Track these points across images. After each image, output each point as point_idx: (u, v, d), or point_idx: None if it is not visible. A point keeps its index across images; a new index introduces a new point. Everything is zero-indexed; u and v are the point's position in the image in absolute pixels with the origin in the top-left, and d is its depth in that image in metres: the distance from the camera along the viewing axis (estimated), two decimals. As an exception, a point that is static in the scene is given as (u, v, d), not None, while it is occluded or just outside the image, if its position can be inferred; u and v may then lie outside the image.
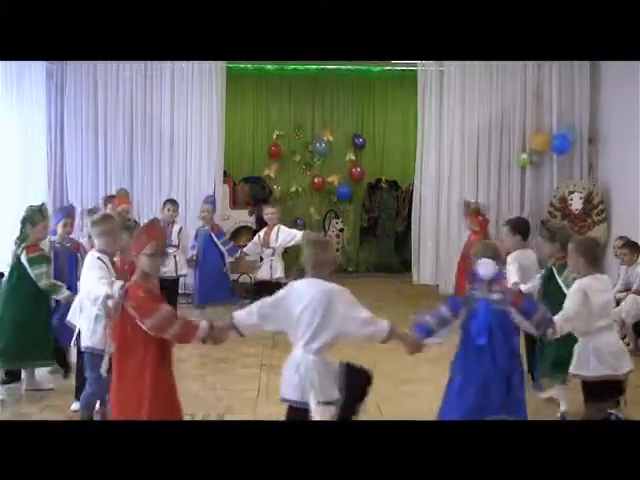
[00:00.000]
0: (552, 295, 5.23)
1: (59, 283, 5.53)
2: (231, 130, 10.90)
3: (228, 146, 10.36)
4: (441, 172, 9.77)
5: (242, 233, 9.97)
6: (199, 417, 4.82)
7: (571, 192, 9.43)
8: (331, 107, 12.22)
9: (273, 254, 8.26)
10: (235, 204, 10.67)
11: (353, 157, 12.21)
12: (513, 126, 9.76)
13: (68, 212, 6.31)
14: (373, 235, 12.35)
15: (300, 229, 12.03)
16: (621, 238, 8.17)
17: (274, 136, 12.10)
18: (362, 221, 12.29)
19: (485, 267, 4.05)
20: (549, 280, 5.45)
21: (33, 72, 9.00)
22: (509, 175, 9.80)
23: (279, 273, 8.26)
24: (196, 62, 9.53)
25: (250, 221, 10.33)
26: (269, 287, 8.12)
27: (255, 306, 3.91)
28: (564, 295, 4.84)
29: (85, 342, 4.58)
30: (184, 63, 9.59)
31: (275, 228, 8.31)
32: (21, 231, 5.57)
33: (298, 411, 3.70)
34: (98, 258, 4.54)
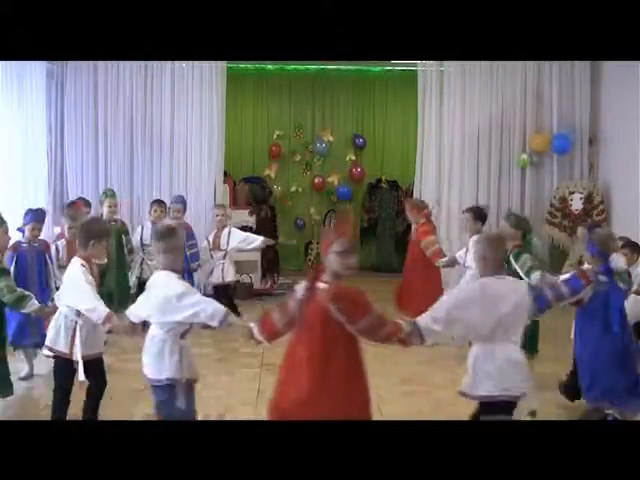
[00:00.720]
0: None
1: (26, 293, 4.87)
2: (231, 130, 10.89)
3: (228, 146, 10.31)
4: (441, 172, 9.75)
5: (242, 233, 9.93)
6: (199, 417, 4.81)
7: (571, 192, 9.41)
8: (331, 107, 12.21)
9: (224, 257, 8.09)
10: (235, 204, 10.65)
11: (353, 157, 12.23)
12: (513, 126, 9.74)
13: (37, 216, 5.99)
14: (373, 235, 12.36)
15: (300, 229, 12.17)
16: (621, 238, 8.13)
17: (274, 136, 12.11)
18: (362, 221, 12.28)
19: (619, 259, 4.58)
20: (506, 266, 5.90)
21: (33, 72, 8.91)
22: (509, 175, 9.79)
23: (231, 276, 8.16)
24: (196, 62, 9.47)
25: (250, 221, 10.31)
26: (223, 290, 7.98)
27: (441, 311, 3.78)
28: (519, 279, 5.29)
29: (162, 374, 3.89)
30: (184, 63, 9.54)
31: (225, 230, 8.13)
32: None
33: (492, 405, 3.68)
34: (177, 277, 3.93)
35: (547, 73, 9.66)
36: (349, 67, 11.41)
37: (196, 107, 9.60)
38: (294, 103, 12.17)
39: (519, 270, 5.68)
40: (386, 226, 12.25)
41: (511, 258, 5.80)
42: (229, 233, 8.10)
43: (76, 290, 4.31)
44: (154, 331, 3.96)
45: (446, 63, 9.58)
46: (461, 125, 9.68)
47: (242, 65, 10.73)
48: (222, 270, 8.08)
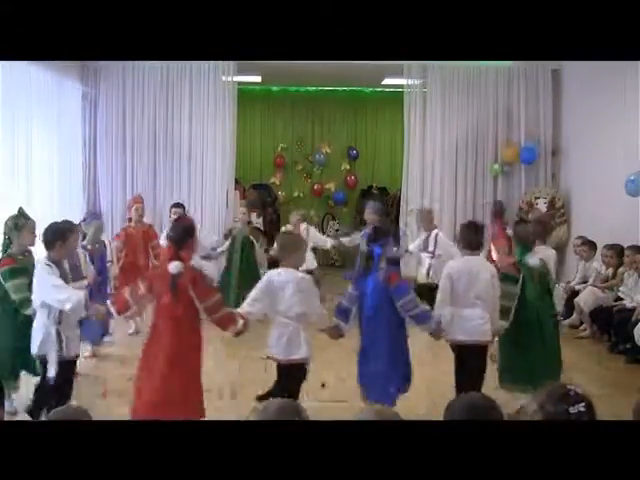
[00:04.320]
0: None
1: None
2: (242, 143, 10.63)
3: (239, 156, 10.00)
4: (424, 180, 9.40)
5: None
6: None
7: (537, 197, 9.09)
8: (329, 123, 12.07)
9: None
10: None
11: (348, 167, 12.07)
12: (486, 140, 9.37)
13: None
14: (366, 235, 12.05)
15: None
16: (580, 237, 7.99)
17: (279, 148, 11.96)
18: (355, 222, 12.01)
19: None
20: None
21: (70, 94, 8.72)
22: (483, 183, 9.44)
23: None
24: (211, 85, 9.18)
25: (258, 222, 9.97)
26: None
27: None
28: None
29: None
30: (202, 86, 9.20)
31: None
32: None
33: None
34: None
35: (515, 93, 9.32)
36: (344, 88, 11.40)
37: (211, 123, 9.26)
38: (296, 120, 12.01)
39: None
40: (376, 227, 11.95)
41: None
42: None
43: None
44: None
45: (429, 85, 9.25)
46: (441, 139, 9.33)
47: (251, 87, 10.59)
48: None
